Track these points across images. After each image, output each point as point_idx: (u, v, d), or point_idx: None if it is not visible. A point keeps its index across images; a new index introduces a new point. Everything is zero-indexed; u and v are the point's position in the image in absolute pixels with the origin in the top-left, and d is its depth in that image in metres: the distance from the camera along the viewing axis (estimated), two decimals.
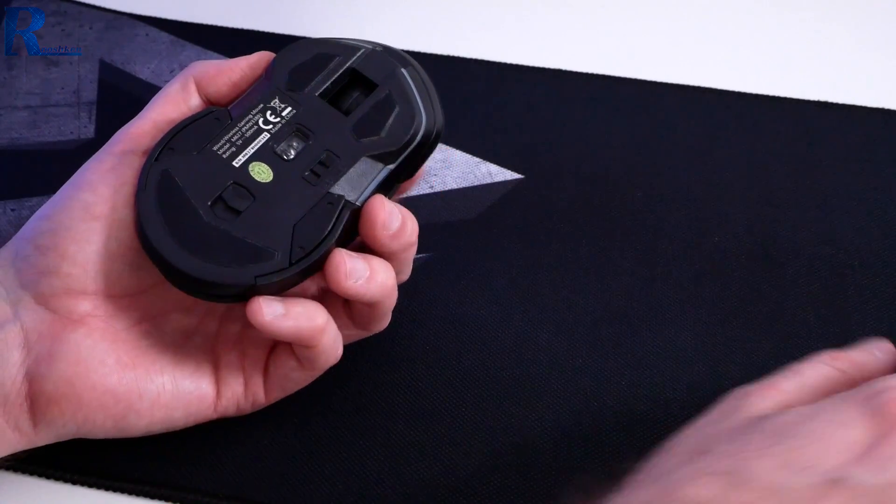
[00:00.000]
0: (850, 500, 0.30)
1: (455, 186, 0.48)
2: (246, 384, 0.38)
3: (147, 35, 0.54)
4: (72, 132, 0.50)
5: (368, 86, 0.39)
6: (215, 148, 0.37)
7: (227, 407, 0.38)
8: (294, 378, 0.38)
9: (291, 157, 0.37)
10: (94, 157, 0.38)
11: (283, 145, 0.37)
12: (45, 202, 0.47)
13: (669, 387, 0.42)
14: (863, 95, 0.52)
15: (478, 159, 0.49)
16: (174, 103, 0.38)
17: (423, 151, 0.39)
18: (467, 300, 0.44)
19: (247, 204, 0.36)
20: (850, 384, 0.35)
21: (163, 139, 0.37)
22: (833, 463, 0.30)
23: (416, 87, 0.39)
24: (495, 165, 0.49)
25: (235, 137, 0.37)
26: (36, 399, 0.35)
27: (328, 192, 0.36)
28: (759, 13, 0.57)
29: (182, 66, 0.53)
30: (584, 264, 0.46)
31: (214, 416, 0.38)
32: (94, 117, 0.51)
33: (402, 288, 0.42)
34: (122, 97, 0.52)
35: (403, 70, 0.39)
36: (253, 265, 0.35)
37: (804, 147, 0.51)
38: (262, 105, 0.38)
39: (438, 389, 0.42)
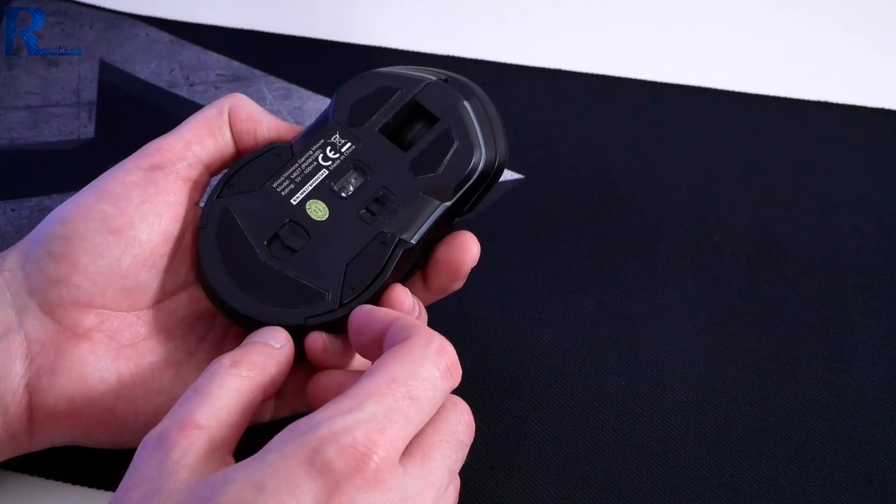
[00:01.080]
0: None
1: None
2: None
3: (147, 35, 0.54)
4: (72, 132, 0.50)
5: (430, 119, 0.39)
6: (275, 185, 0.37)
7: None
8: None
9: (349, 193, 0.37)
10: (120, 165, 0.37)
11: (340, 182, 0.38)
12: (45, 202, 0.47)
13: (669, 387, 0.42)
14: (863, 95, 0.52)
15: None
16: (209, 129, 0.38)
17: (484, 186, 0.38)
18: (467, 300, 0.44)
19: (302, 242, 0.36)
20: (264, 390, 0.33)
21: (225, 175, 0.38)
22: None
23: (477, 120, 0.38)
24: None
25: (295, 174, 0.38)
26: (35, 412, 0.34)
27: (381, 231, 0.37)
28: (759, 13, 0.57)
29: (182, 67, 0.53)
30: (584, 264, 0.46)
31: None
32: (94, 117, 0.51)
33: None
34: (122, 97, 0.52)
35: (466, 102, 0.39)
36: (304, 306, 0.35)
37: (804, 147, 0.51)
38: (322, 140, 0.38)
39: None
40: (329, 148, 0.38)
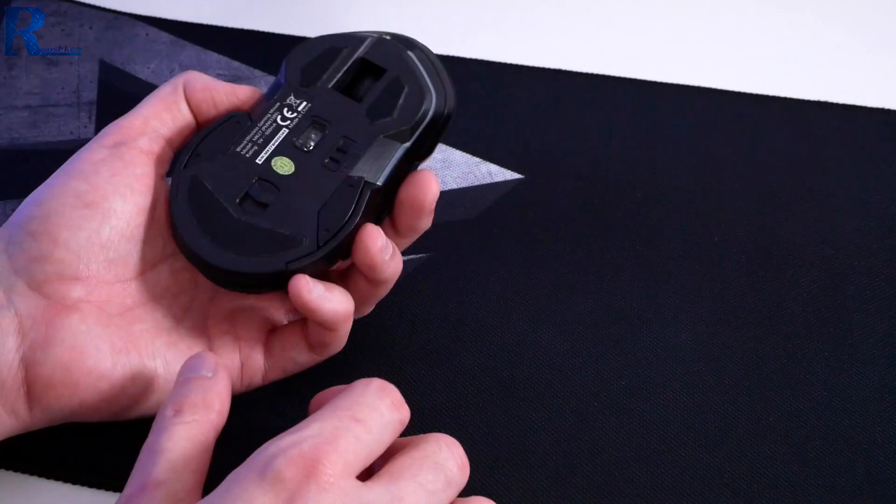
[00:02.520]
0: None
1: (455, 186, 0.48)
2: (242, 365, 0.39)
3: (147, 35, 0.54)
4: (72, 132, 0.50)
5: (378, 72, 0.40)
6: (238, 149, 0.38)
7: None
8: (299, 361, 0.39)
9: (311, 147, 0.39)
10: (85, 147, 0.39)
11: (301, 138, 0.39)
12: None
13: (669, 387, 0.42)
14: (863, 95, 0.52)
15: (478, 159, 0.49)
16: (165, 104, 0.40)
17: (438, 127, 0.40)
18: (467, 300, 0.44)
19: (272, 197, 0.38)
20: (214, 427, 0.33)
21: (188, 146, 0.39)
22: None
23: (424, 67, 0.40)
24: (495, 165, 0.49)
25: (256, 137, 0.39)
26: (32, 384, 0.35)
27: (348, 176, 0.38)
28: (758, 13, 0.57)
29: (182, 67, 0.53)
30: (584, 264, 0.46)
31: None
32: (94, 117, 0.51)
33: (403, 287, 0.42)
34: (122, 97, 0.52)
35: (410, 53, 0.40)
36: (283, 252, 0.37)
37: (804, 147, 0.51)
38: (278, 104, 0.39)
39: (438, 389, 0.42)
40: (286, 108, 0.39)
